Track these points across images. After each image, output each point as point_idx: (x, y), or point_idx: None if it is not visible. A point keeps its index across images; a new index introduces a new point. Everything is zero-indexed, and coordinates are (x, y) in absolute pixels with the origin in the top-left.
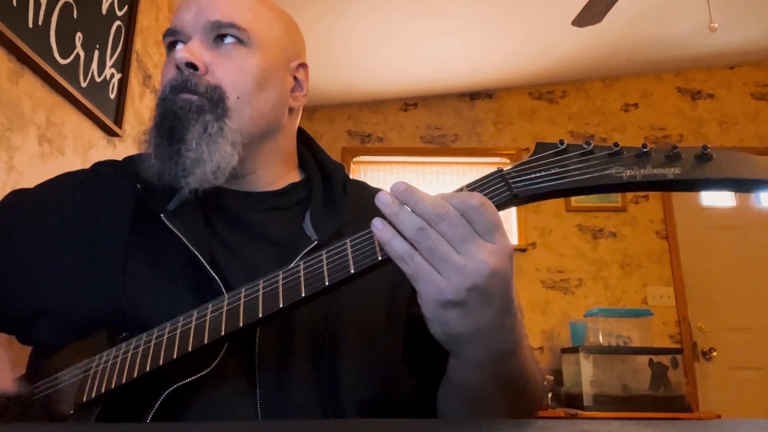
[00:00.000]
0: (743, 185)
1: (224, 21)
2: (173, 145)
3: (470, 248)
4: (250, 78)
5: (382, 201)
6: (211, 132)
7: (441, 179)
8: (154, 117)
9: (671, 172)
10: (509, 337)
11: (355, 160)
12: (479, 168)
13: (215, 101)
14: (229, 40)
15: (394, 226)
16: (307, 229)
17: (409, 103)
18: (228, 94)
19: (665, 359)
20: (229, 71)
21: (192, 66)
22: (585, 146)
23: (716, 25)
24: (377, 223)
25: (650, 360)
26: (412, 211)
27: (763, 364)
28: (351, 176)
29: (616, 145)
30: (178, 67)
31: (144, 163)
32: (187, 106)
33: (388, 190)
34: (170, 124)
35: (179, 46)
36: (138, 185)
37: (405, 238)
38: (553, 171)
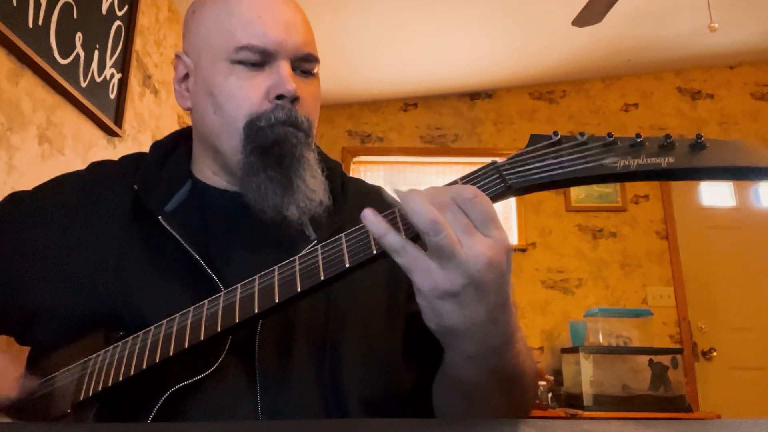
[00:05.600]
0: (737, 173)
1: (313, 54)
2: (287, 176)
3: (467, 240)
4: (319, 105)
5: (368, 218)
6: (314, 167)
7: (441, 179)
8: (257, 141)
9: (665, 161)
10: (503, 332)
11: (355, 160)
12: None
13: (308, 134)
14: (309, 69)
15: (402, 219)
16: (306, 229)
17: (409, 103)
18: (314, 125)
19: (665, 359)
20: (313, 103)
21: (295, 99)
22: (579, 137)
23: (716, 25)
24: (370, 216)
25: (650, 360)
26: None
27: (763, 364)
28: (351, 176)
29: (609, 135)
30: (280, 96)
31: (246, 185)
32: (294, 141)
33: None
34: (280, 156)
35: (281, 71)
36: (135, 186)
37: (404, 232)
38: (547, 162)
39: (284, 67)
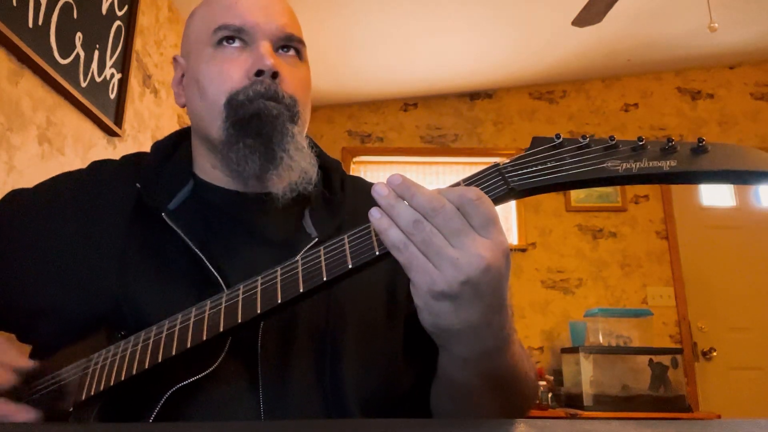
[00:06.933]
0: (739, 177)
1: (295, 35)
2: (267, 145)
3: (465, 242)
4: (308, 91)
5: (379, 192)
6: (298, 141)
7: (441, 179)
8: (236, 115)
9: (667, 164)
10: (498, 335)
11: (355, 160)
12: (479, 168)
13: (292, 112)
14: (291, 52)
15: (390, 218)
16: (307, 227)
17: (409, 103)
18: (300, 103)
19: (665, 359)
20: (300, 84)
21: (275, 75)
22: (581, 140)
23: (716, 25)
24: (375, 213)
25: (650, 360)
26: (408, 204)
27: (763, 364)
28: (350, 174)
29: (611, 138)
30: (260, 72)
31: (227, 158)
32: (275, 112)
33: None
34: (259, 127)
35: (260, 49)
36: (137, 184)
37: (401, 230)
38: (549, 165)
39: (264, 45)
